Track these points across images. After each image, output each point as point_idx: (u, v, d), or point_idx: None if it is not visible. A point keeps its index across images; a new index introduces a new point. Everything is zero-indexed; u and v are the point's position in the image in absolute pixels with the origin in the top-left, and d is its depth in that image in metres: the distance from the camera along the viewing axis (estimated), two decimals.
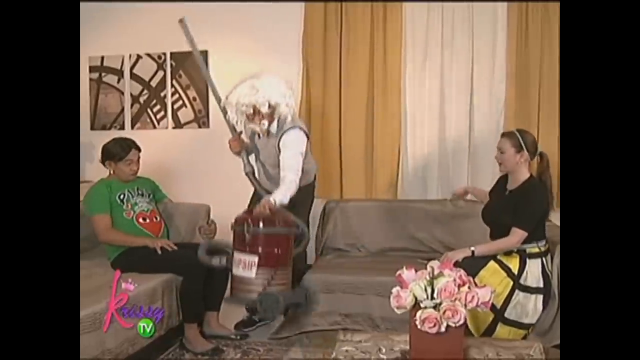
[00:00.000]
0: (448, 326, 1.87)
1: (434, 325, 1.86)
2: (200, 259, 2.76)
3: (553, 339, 2.68)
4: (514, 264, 2.78)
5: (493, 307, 2.58)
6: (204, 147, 4.54)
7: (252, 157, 3.28)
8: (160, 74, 4.68)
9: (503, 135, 2.98)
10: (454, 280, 1.92)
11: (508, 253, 2.81)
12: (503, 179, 3.02)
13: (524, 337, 2.75)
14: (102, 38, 4.74)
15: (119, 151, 3.24)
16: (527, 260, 2.78)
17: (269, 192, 2.89)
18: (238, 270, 2.57)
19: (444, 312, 1.86)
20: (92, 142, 4.53)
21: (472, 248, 2.82)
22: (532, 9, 3.93)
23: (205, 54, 4.55)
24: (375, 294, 3.09)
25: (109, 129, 4.77)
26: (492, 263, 2.78)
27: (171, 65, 4.64)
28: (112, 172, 3.30)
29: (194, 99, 4.62)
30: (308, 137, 3.14)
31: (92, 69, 4.80)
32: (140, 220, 3.24)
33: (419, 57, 4.17)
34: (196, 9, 4.44)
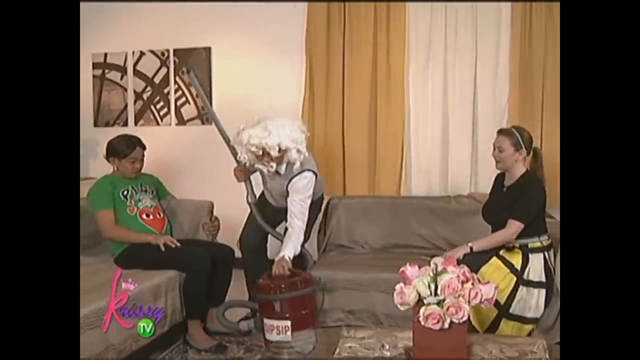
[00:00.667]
0: (452, 323, 1.86)
1: (438, 322, 1.86)
2: (225, 325, 2.93)
3: (556, 336, 2.67)
4: (516, 259, 2.79)
5: (497, 303, 2.59)
6: (207, 144, 4.54)
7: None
8: (164, 70, 4.68)
9: (500, 132, 2.96)
10: (458, 276, 1.92)
11: (510, 249, 2.82)
12: (500, 177, 3.03)
13: (529, 334, 2.75)
14: (105, 35, 4.75)
15: (124, 148, 3.24)
16: (530, 255, 2.79)
17: (270, 221, 3.10)
18: (272, 336, 2.68)
19: (448, 309, 1.86)
20: (95, 139, 4.54)
21: (470, 244, 2.82)
22: (536, 8, 3.91)
23: (208, 51, 4.56)
24: (379, 290, 3.09)
25: (112, 125, 4.78)
26: (494, 259, 2.79)
27: (174, 62, 4.64)
28: (115, 168, 3.30)
29: (197, 95, 4.62)
30: (317, 176, 3.10)
31: (95, 66, 4.81)
32: (144, 216, 3.25)
33: (423, 56, 4.16)
34: (200, 6, 4.46)
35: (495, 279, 2.59)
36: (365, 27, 4.16)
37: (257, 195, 3.35)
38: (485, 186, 3.70)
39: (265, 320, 2.69)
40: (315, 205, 3.28)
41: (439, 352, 1.90)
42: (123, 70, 4.78)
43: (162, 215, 3.36)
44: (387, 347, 2.10)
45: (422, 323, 1.87)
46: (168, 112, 4.71)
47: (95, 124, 4.83)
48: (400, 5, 4.12)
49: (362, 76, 4.19)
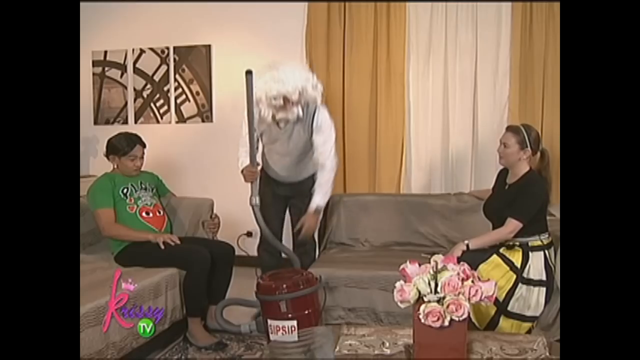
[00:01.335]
0: (452, 320, 1.86)
1: (438, 320, 1.85)
2: (223, 326, 2.85)
3: (556, 333, 2.67)
4: (516, 257, 2.78)
5: (496, 301, 2.59)
6: (207, 142, 4.55)
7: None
8: (164, 68, 4.68)
9: (508, 129, 2.96)
10: (458, 274, 1.91)
11: (511, 247, 2.81)
12: (503, 173, 3.02)
13: (529, 331, 2.75)
14: (106, 32, 4.75)
15: (124, 146, 3.23)
16: (530, 253, 2.78)
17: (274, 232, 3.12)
18: (277, 337, 2.64)
19: (448, 306, 1.85)
20: (95, 137, 4.54)
21: (467, 242, 2.82)
22: (536, 4, 3.91)
23: (208, 48, 4.56)
24: (379, 288, 3.09)
25: (113, 123, 4.78)
26: (494, 257, 2.79)
27: (174, 59, 4.64)
28: (115, 166, 3.30)
29: (197, 93, 4.63)
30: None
31: (95, 64, 4.81)
32: (144, 214, 3.24)
33: (423, 52, 4.16)
34: (200, 4, 4.46)
35: (494, 276, 2.58)
36: (365, 25, 4.16)
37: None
38: (485, 183, 3.70)
39: (270, 321, 2.67)
40: None
41: (439, 349, 1.90)
42: (123, 67, 4.78)
43: (162, 213, 3.36)
44: (387, 344, 2.09)
45: (422, 321, 1.87)
46: (168, 110, 4.71)
47: (95, 122, 4.84)
48: (400, 3, 4.12)
49: (362, 74, 4.19)
